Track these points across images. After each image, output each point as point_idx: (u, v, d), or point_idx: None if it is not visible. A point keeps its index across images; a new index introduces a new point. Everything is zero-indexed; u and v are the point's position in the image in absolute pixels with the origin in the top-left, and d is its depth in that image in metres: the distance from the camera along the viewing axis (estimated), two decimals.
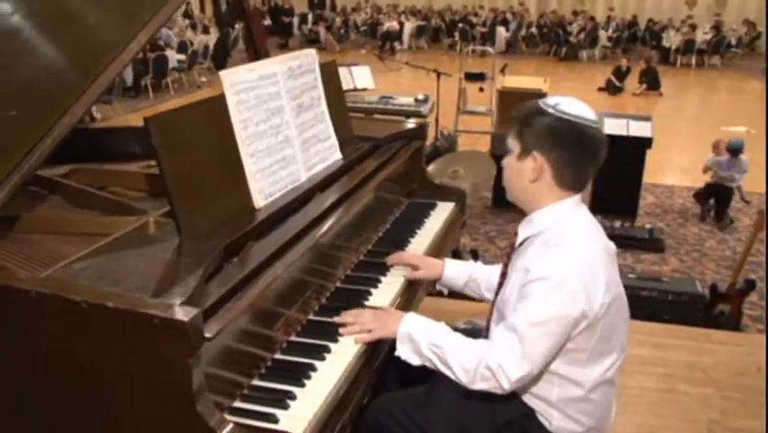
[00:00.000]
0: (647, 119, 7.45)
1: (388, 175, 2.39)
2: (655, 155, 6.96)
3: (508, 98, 8.62)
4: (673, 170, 9.16)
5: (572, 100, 1.79)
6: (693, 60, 18.24)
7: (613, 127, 7.12)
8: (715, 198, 7.53)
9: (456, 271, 2.24)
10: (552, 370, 1.75)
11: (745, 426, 2.96)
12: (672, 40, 18.44)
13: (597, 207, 6.63)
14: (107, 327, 1.34)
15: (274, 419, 1.46)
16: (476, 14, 21.01)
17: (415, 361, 1.78)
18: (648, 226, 6.77)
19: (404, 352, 1.79)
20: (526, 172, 1.78)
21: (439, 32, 20.57)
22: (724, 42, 18.49)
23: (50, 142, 1.65)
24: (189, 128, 1.68)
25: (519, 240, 1.87)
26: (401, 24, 19.90)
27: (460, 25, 19.88)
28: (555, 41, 19.28)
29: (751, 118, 12.33)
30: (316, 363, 1.66)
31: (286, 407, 1.51)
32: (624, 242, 6.27)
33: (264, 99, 1.93)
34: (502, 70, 9.29)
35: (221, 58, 14.51)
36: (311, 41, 19.40)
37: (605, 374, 1.80)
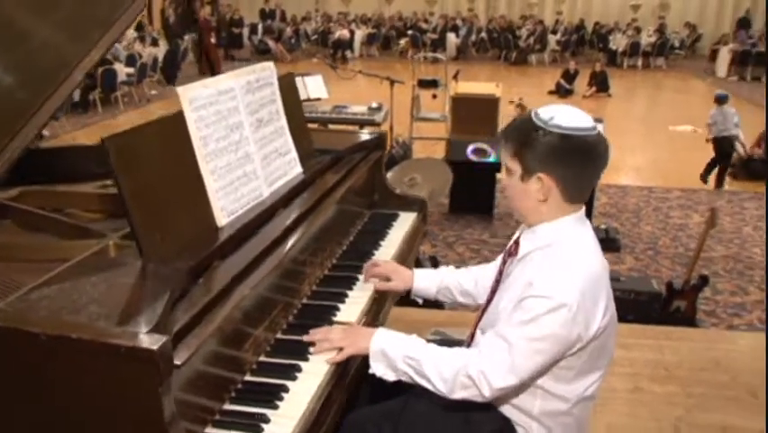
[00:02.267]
0: (599, 121, 7.55)
1: (350, 187, 2.37)
2: None
3: (462, 104, 8.71)
4: (625, 170, 9.33)
5: (566, 110, 1.75)
6: (639, 62, 18.74)
7: None
8: (719, 153, 8.47)
9: (426, 281, 2.21)
10: (537, 384, 1.73)
11: (708, 420, 3.02)
12: (618, 42, 18.87)
13: None
14: (70, 360, 1.29)
15: None
16: (426, 21, 21.14)
17: (390, 377, 1.76)
18: (603, 227, 6.86)
19: (378, 369, 1.76)
20: (533, 193, 1.74)
21: (390, 40, 20.66)
22: (667, 44, 19.00)
23: None
24: (148, 147, 1.63)
25: (523, 251, 1.83)
26: (352, 33, 19.93)
27: (410, 32, 20.00)
28: (505, 46, 19.54)
29: (696, 117, 12.62)
30: (288, 384, 1.62)
31: (259, 430, 1.47)
32: None
33: (223, 115, 1.89)
34: (455, 77, 9.36)
35: (171, 70, 14.31)
36: (261, 51, 19.29)
37: (588, 390, 1.79)
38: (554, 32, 19.94)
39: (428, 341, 1.84)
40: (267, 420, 1.50)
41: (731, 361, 3.51)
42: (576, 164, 1.70)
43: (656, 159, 10.00)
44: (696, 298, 4.95)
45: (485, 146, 6.88)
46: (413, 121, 8.96)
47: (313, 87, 8.33)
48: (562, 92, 14.69)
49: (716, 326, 4.98)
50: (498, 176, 1.93)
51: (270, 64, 2.20)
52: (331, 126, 7.95)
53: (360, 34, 20.17)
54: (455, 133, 8.60)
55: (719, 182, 8.75)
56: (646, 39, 18.93)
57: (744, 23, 19.84)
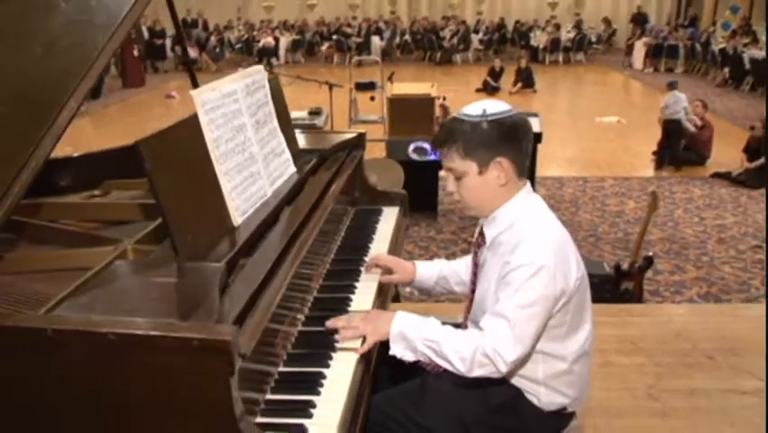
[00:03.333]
0: (535, 115, 7.80)
1: (343, 184, 2.44)
2: (541, 149, 7.37)
3: (399, 105, 8.87)
4: (558, 162, 9.63)
5: (486, 102, 1.92)
6: (560, 58, 19.33)
7: None
8: (667, 134, 9.02)
9: (427, 272, 2.32)
10: (536, 349, 1.86)
11: (677, 386, 3.23)
12: (539, 39, 19.42)
13: None
14: (140, 357, 1.31)
15: (303, 429, 1.47)
16: (349, 25, 21.25)
17: (409, 357, 1.84)
18: None
19: (398, 350, 1.85)
20: (493, 180, 1.87)
21: (314, 46, 20.69)
22: (586, 40, 19.68)
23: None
24: (174, 149, 1.67)
25: (489, 239, 1.96)
26: (277, 40, 19.85)
27: (335, 37, 20.09)
28: (429, 47, 19.84)
29: (618, 108, 13.16)
30: (324, 371, 1.68)
31: (310, 415, 1.52)
32: None
33: (229, 117, 1.94)
34: (390, 78, 9.49)
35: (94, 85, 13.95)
36: (186, 62, 19.00)
37: (583, 346, 1.93)
38: (476, 32, 20.36)
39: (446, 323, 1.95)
40: (314, 405, 1.56)
41: (689, 331, 3.74)
42: (519, 140, 1.87)
43: (587, 150, 10.33)
44: (642, 278, 5.18)
45: (425, 145, 7.01)
46: (351, 124, 9.05)
47: None
48: (489, 89, 15.02)
49: (660, 304, 5.24)
50: (446, 185, 2.04)
51: (260, 67, 2.25)
52: None
53: (284, 41, 20.11)
54: (394, 134, 8.74)
55: (660, 163, 9.30)
56: (566, 35, 19.54)
57: (640, 19, 20.86)
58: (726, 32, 17.69)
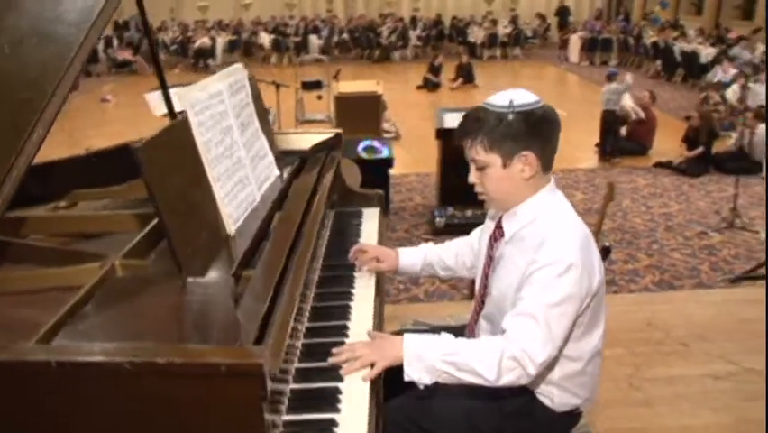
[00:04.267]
0: None
1: (329, 187, 2.35)
2: None
3: (346, 103, 8.77)
4: None
5: (514, 92, 1.85)
6: (498, 53, 19.51)
7: (453, 121, 7.42)
8: (605, 124, 9.22)
9: (412, 258, 2.27)
10: None
11: (656, 374, 3.26)
12: (476, 35, 19.54)
13: (447, 199, 6.91)
14: (158, 388, 1.19)
15: None
16: (286, 25, 21.01)
17: (426, 380, 1.72)
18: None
19: (414, 373, 1.72)
20: (518, 174, 1.81)
21: (251, 46, 20.37)
22: (522, 35, 19.93)
23: None
24: (169, 155, 1.55)
25: (508, 234, 1.90)
26: (213, 40, 19.47)
27: (272, 36, 19.82)
28: (368, 45, 19.77)
29: (558, 101, 13.32)
30: (339, 385, 1.59)
31: None
32: None
33: (217, 119, 1.83)
34: (336, 77, 9.40)
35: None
36: (119, 65, 18.53)
37: (597, 346, 1.90)
38: (414, 29, 20.38)
39: (409, 331, 1.88)
40: (336, 424, 1.46)
41: (659, 320, 3.79)
42: (546, 133, 1.82)
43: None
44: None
45: (375, 143, 6.95)
46: (298, 124, 8.92)
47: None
48: (430, 86, 15.05)
49: (616, 293, 5.31)
50: (471, 178, 1.97)
51: (241, 65, 2.15)
52: None
53: (221, 42, 19.74)
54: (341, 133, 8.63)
55: (603, 155, 9.44)
56: (502, 30, 19.75)
57: (563, 13, 21.31)
58: (656, 27, 18.19)
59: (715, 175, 8.65)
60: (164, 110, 7.88)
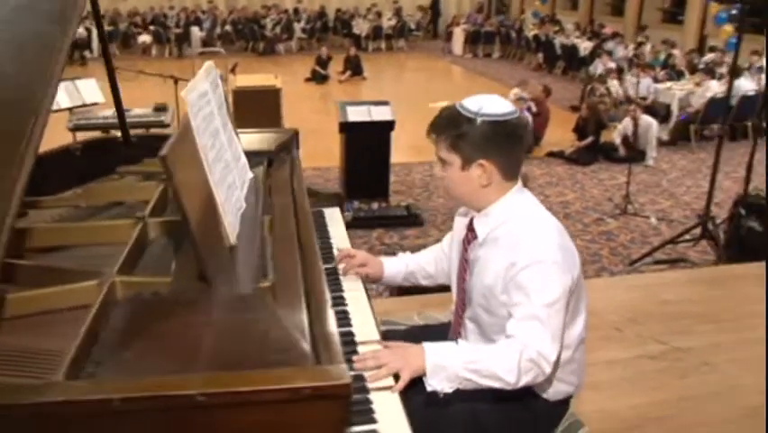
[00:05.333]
0: (386, 103, 7.87)
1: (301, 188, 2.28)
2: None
3: (245, 97, 8.57)
4: (402, 149, 9.76)
5: (489, 99, 1.87)
6: (383, 45, 19.67)
7: (356, 114, 7.43)
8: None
9: (395, 267, 2.26)
10: None
11: (594, 359, 3.26)
12: (361, 27, 19.62)
13: (352, 193, 6.92)
14: (233, 419, 1.11)
15: None
16: (165, 16, 20.26)
17: (446, 388, 1.71)
18: (404, 204, 7.17)
19: (436, 383, 1.70)
20: (475, 179, 1.84)
21: (130, 37, 19.52)
22: (406, 27, 20.19)
23: None
24: (185, 162, 1.45)
25: (481, 235, 1.92)
26: (89, 31, 18.49)
27: (152, 28, 19.08)
28: (252, 37, 19.41)
29: (446, 93, 13.62)
30: (369, 396, 1.53)
31: None
32: (385, 221, 6.59)
33: (208, 121, 1.74)
34: (233, 70, 9.16)
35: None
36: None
37: (581, 333, 1.96)
38: (298, 21, 20.18)
39: (416, 326, 1.87)
40: None
41: (592, 306, 3.92)
42: (510, 146, 1.85)
43: (424, 135, 10.53)
44: None
45: None
46: None
47: (87, 91, 7.73)
48: (319, 78, 14.98)
49: None
50: (436, 171, 2.00)
51: (212, 62, 2.05)
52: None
53: (96, 33, 18.79)
54: (240, 128, 8.42)
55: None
56: (387, 23, 19.91)
57: (435, 6, 21.94)
58: (536, 20, 18.93)
59: (604, 164, 9.11)
60: (94, 98, 7.42)
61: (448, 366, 1.71)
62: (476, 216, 1.94)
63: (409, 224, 6.77)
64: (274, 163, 2.41)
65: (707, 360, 3.44)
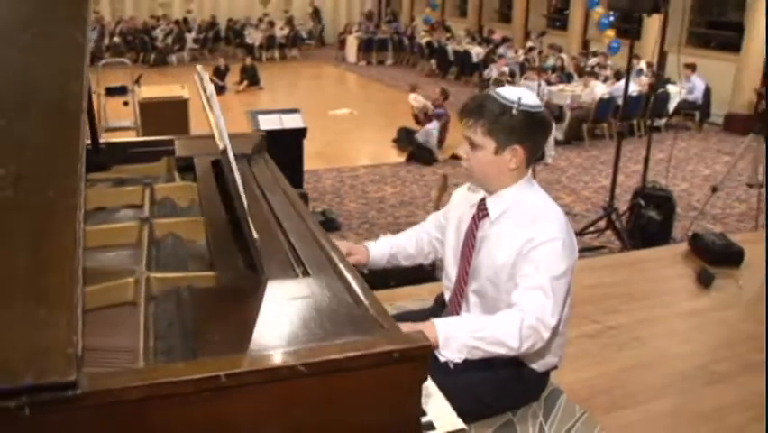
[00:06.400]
0: (296, 111, 7.93)
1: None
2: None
3: (152, 109, 8.42)
4: (309, 156, 9.81)
5: (524, 90, 2.05)
6: (276, 54, 19.62)
7: (268, 123, 7.45)
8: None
9: (379, 251, 2.38)
10: None
11: None
12: (254, 37, 19.48)
13: None
14: (329, 386, 1.20)
15: None
16: None
17: (457, 358, 1.85)
18: (320, 210, 7.28)
19: (450, 354, 1.84)
20: (506, 163, 2.02)
21: None
22: (298, 36, 20.23)
23: None
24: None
25: (494, 214, 2.09)
26: None
27: None
28: (142, 48, 18.92)
29: (344, 100, 13.84)
30: None
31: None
32: None
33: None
34: (137, 81, 8.98)
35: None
36: None
37: (568, 311, 2.15)
38: (190, 31, 19.83)
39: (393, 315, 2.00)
40: (434, 427, 1.51)
41: None
42: (541, 135, 2.06)
43: (331, 143, 10.65)
44: None
45: None
46: (102, 131, 8.40)
47: None
48: (217, 89, 14.68)
49: None
50: (461, 153, 2.12)
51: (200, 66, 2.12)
52: None
53: None
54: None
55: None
56: (279, 32, 19.88)
57: (316, 12, 22.33)
58: (427, 26, 19.41)
59: None
60: None
61: (458, 337, 1.86)
62: (488, 196, 2.11)
63: (327, 229, 6.79)
64: (252, 165, 2.49)
65: (636, 335, 3.75)
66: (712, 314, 4.11)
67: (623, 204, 6.81)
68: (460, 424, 1.53)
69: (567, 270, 1.96)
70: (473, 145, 2.04)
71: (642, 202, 6.27)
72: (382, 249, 2.39)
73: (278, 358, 1.18)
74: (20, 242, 1.16)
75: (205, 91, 1.93)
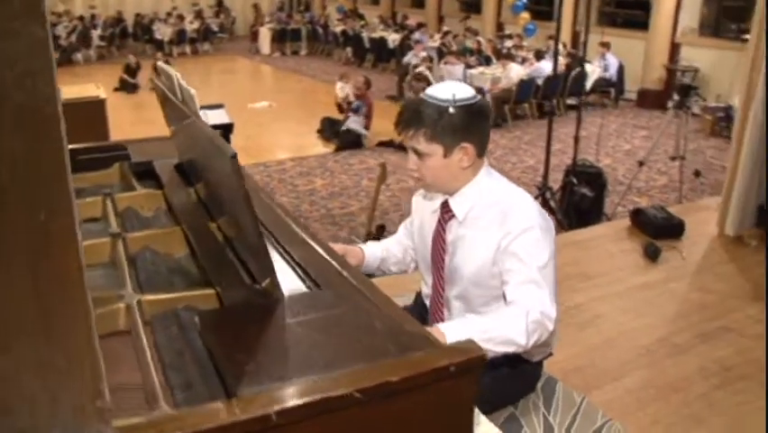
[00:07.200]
0: (220, 106, 7.71)
1: None
2: None
3: (71, 110, 7.95)
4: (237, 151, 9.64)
5: (455, 85, 1.96)
6: (188, 49, 19.04)
7: (208, 119, 7.24)
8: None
9: (373, 253, 2.29)
10: None
11: None
12: (163, 32, 18.84)
13: None
14: (387, 409, 1.10)
15: None
16: None
17: None
18: None
19: None
20: (456, 163, 1.94)
21: None
22: (209, 29, 19.72)
23: None
24: None
25: (461, 215, 2.01)
26: None
27: None
28: None
29: (261, 93, 13.60)
30: None
31: None
32: None
33: None
34: None
35: None
36: None
37: (557, 296, 2.10)
38: (95, 27, 19.00)
39: None
40: None
41: None
42: (484, 125, 1.99)
43: (253, 136, 10.42)
44: None
45: None
46: None
47: None
48: (129, 88, 14.26)
49: None
50: (410, 165, 2.01)
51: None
52: None
53: None
54: (69, 143, 7.88)
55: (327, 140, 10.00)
56: (189, 26, 19.31)
57: (220, 5, 22.00)
58: (340, 14, 19.26)
59: None
60: None
61: (466, 338, 1.78)
62: (450, 198, 2.03)
63: None
64: None
65: (596, 313, 3.79)
66: (662, 286, 4.21)
67: (553, 182, 6.90)
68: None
69: (551, 255, 1.91)
70: (420, 154, 1.95)
71: (574, 180, 6.35)
72: (375, 251, 2.30)
73: (328, 385, 1.06)
74: (16, 271, 1.01)
75: (181, 92, 1.79)
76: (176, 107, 1.93)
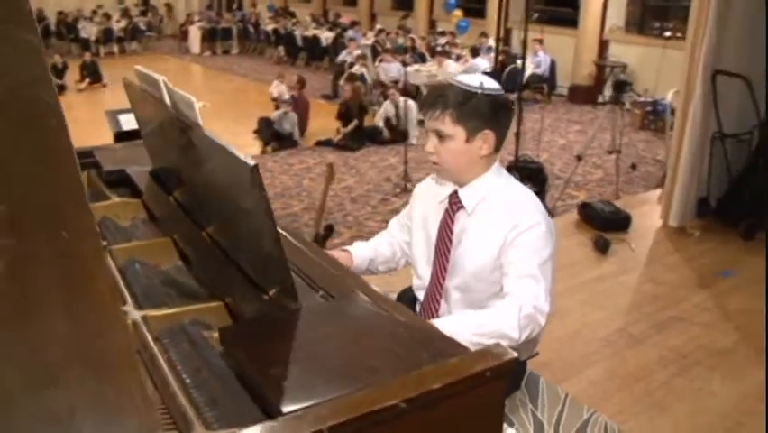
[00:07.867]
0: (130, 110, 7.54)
1: None
2: None
3: None
4: None
5: (482, 76, 2.02)
6: (115, 48, 18.50)
7: (130, 123, 6.89)
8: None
9: (361, 254, 2.28)
10: None
11: None
12: (89, 31, 18.24)
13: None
14: (428, 416, 1.09)
15: None
16: None
17: None
18: None
19: None
20: (476, 150, 1.98)
21: None
22: (137, 28, 19.20)
23: None
24: None
25: (470, 206, 2.05)
26: None
27: None
28: None
29: (192, 93, 13.25)
30: None
31: None
32: None
33: None
34: None
35: None
36: None
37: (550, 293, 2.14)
38: None
39: None
40: None
41: None
42: (507, 118, 2.05)
43: None
44: (325, 246, 5.53)
45: None
46: None
47: None
48: (57, 90, 13.74)
49: None
50: (428, 147, 2.03)
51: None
52: None
53: None
54: None
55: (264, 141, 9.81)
56: (116, 25, 18.76)
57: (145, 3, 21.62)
58: (271, 13, 19.04)
59: (372, 147, 9.51)
60: None
61: (460, 334, 1.77)
62: (461, 189, 2.06)
63: None
64: None
65: (559, 306, 3.86)
66: (615, 279, 4.34)
67: None
68: None
69: (551, 253, 1.97)
70: (442, 136, 1.99)
71: (516, 175, 6.45)
72: (364, 252, 2.29)
73: (376, 397, 1.03)
74: (48, 300, 0.97)
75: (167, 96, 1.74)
76: (160, 112, 1.87)
